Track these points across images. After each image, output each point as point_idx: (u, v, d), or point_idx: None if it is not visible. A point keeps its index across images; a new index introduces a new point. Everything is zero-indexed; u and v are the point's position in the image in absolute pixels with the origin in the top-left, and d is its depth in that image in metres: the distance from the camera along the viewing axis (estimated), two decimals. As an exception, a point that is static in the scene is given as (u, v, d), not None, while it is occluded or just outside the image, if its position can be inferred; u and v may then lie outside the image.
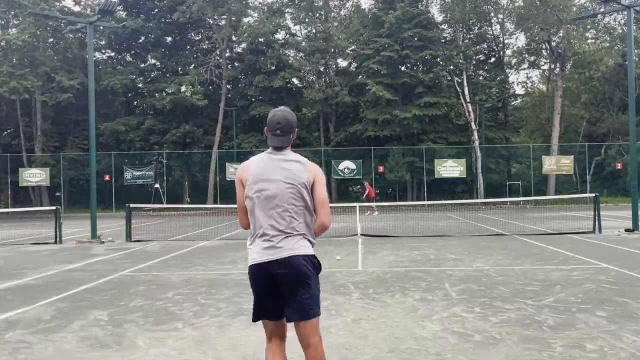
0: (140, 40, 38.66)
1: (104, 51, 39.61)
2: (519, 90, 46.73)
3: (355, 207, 17.97)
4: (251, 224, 3.06)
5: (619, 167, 34.17)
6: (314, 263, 3.01)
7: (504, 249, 11.38)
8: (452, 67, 36.51)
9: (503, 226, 17.02)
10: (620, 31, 38.62)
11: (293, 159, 3.05)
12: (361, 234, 15.11)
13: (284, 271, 2.92)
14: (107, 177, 35.29)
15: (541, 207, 30.13)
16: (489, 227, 16.73)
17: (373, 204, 26.23)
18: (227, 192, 36.85)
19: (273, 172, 3.00)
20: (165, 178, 37.13)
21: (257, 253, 2.98)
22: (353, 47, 38.51)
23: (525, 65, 41.40)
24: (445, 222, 19.62)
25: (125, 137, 36.43)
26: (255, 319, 3.08)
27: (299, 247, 2.97)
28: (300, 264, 2.94)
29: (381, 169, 34.54)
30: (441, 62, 36.07)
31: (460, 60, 35.91)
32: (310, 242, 3.04)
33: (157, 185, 35.54)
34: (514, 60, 41.03)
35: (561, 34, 36.29)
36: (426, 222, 19.05)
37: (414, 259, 10.21)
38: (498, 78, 39.65)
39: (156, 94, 37.32)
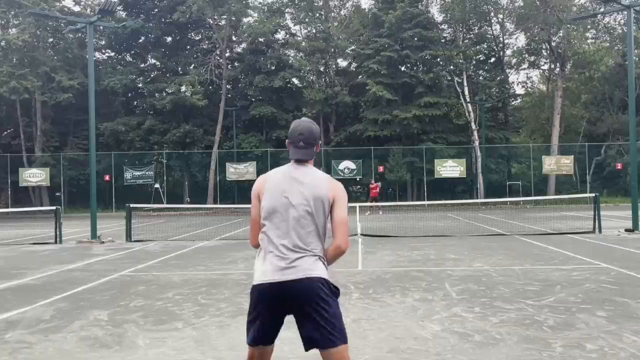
0: (140, 40, 38.69)
1: (104, 51, 39.67)
2: (519, 90, 46.69)
3: (356, 207, 17.98)
4: (263, 241, 2.76)
5: (619, 167, 34.17)
6: (330, 288, 2.71)
7: (504, 249, 11.38)
8: (452, 67, 36.56)
9: (503, 226, 17.03)
10: (620, 31, 38.66)
11: (315, 174, 2.81)
12: (361, 234, 15.12)
13: (299, 293, 2.63)
14: (107, 177, 35.29)
15: (541, 207, 30.14)
16: (489, 227, 16.74)
17: (373, 204, 26.23)
18: (227, 192, 36.90)
19: (292, 186, 2.75)
20: (165, 178, 37.14)
21: (269, 272, 2.67)
22: (353, 47, 38.57)
23: (525, 65, 41.42)
24: (445, 222, 19.62)
25: (125, 137, 36.46)
26: (254, 344, 2.75)
27: (316, 268, 2.69)
28: (316, 287, 2.65)
29: (381, 169, 34.57)
30: (441, 62, 36.14)
31: (460, 60, 35.94)
32: (325, 266, 2.77)
33: (157, 185, 35.56)
34: (514, 60, 41.02)
35: (561, 34, 36.31)
36: (426, 222, 19.05)
37: (414, 259, 10.22)
38: (498, 78, 39.66)
39: (156, 94, 37.33)
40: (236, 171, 34.63)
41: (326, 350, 2.65)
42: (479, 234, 15.03)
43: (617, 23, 39.37)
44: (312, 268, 2.67)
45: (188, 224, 21.32)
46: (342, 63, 40.68)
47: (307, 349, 2.70)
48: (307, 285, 2.63)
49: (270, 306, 2.68)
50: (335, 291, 2.74)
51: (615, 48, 39.83)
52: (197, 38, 40.72)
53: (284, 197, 2.73)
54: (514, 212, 25.90)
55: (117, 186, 35.47)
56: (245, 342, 2.79)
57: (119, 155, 36.73)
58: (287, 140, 2.89)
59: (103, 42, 38.41)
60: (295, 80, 39.52)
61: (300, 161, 2.82)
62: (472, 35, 39.71)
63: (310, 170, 2.82)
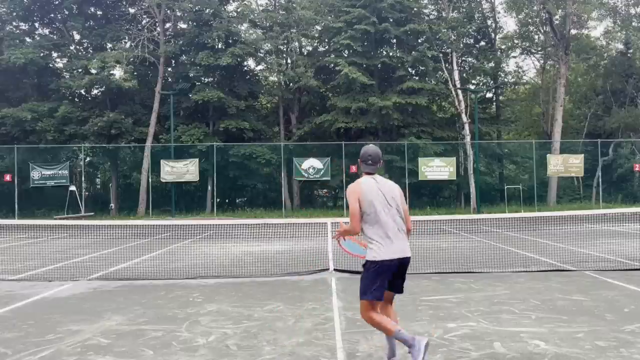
0: (56, 3, 31.07)
1: (4, 18, 31.43)
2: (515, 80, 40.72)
3: (326, 223, 11.39)
4: (378, 228, 4.12)
5: (637, 169, 28.73)
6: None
7: (598, 305, 5.02)
8: (439, 48, 30.44)
9: (543, 250, 10.82)
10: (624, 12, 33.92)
11: (387, 182, 4.35)
12: (335, 269, 8.79)
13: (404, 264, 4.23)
14: (7, 177, 27.94)
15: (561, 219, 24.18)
16: (527, 254, 10.49)
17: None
18: (166, 196, 29.74)
19: (387, 192, 4.25)
20: (83, 178, 29.78)
21: (391, 251, 4.08)
22: (319, 19, 31.71)
23: (518, 51, 35.98)
24: (453, 242, 13.40)
25: (34, 126, 28.95)
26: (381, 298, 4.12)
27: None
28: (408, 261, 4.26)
29: (353, 168, 28.08)
30: (426, 43, 29.92)
31: (451, 37, 30.00)
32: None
33: (72, 188, 28.20)
34: (507, 44, 35.39)
35: (563, 13, 30.96)
36: (425, 241, 12.69)
37: (446, 342, 3.81)
38: (489, 65, 33.71)
39: (74, 72, 30.07)
40: (173, 170, 27.62)
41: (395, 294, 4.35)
42: (523, 268, 8.89)
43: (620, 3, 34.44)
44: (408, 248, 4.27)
45: (73, 246, 14.32)
46: (307, 40, 33.87)
47: (397, 291, 4.32)
48: (408, 260, 4.27)
49: (392, 272, 4.22)
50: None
51: (619, 34, 35.05)
52: (127, 6, 33.16)
53: (381, 200, 4.19)
54: (537, 225, 19.38)
55: (23, 188, 28.21)
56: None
57: (26, 149, 29.18)
58: (359, 159, 4.39)
59: (4, 9, 30.67)
60: (251, 63, 32.89)
61: (369, 173, 4.32)
62: (461, 15, 33.70)
63: (381, 179, 4.33)
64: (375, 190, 4.17)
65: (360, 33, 28.31)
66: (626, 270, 8.69)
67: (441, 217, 20.24)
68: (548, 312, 5.86)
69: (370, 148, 4.39)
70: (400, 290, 4.26)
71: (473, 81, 33.78)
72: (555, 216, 15.34)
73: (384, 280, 4.08)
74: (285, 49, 31.60)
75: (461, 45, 32.33)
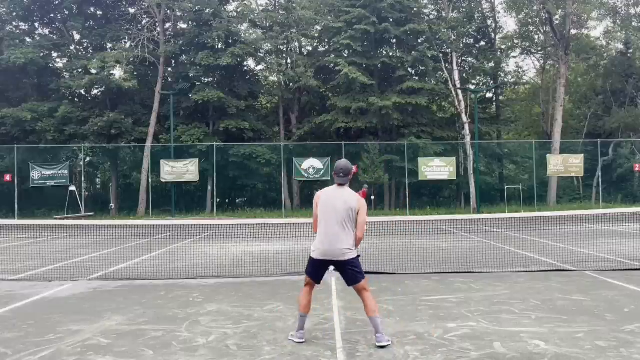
0: (56, 3, 31.01)
1: (4, 17, 31.40)
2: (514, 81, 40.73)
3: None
4: (321, 231, 4.80)
5: (637, 169, 28.72)
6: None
7: (598, 305, 5.03)
8: (439, 48, 30.43)
9: (543, 251, 10.84)
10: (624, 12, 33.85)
11: (349, 192, 4.86)
12: (335, 269, 8.66)
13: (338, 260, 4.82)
14: (7, 177, 27.96)
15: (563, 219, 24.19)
16: (528, 255, 10.51)
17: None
18: (166, 196, 29.75)
19: (336, 199, 4.83)
20: (83, 178, 29.76)
21: (318, 252, 4.80)
22: (319, 19, 31.66)
23: (519, 52, 35.94)
24: (452, 242, 13.39)
25: (34, 126, 28.93)
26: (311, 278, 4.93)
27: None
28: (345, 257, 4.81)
29: (354, 169, 28.03)
30: (426, 43, 29.90)
31: (451, 37, 29.95)
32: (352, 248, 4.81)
33: (72, 188, 28.19)
34: (507, 45, 35.38)
35: (561, 12, 30.93)
36: (425, 241, 12.71)
37: (447, 344, 3.81)
38: (489, 65, 33.69)
39: (74, 72, 30.03)
40: (173, 170, 27.60)
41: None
42: (523, 268, 8.88)
43: (620, 3, 34.40)
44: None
45: (73, 246, 14.33)
46: (307, 40, 33.81)
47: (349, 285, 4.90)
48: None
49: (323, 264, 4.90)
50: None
51: (619, 34, 35.00)
52: (127, 6, 33.14)
53: (330, 205, 4.82)
54: (537, 225, 19.49)
55: (22, 189, 28.20)
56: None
57: (26, 149, 29.17)
58: (333, 172, 4.93)
59: (4, 9, 30.63)
60: (251, 63, 32.84)
61: (340, 185, 4.87)
62: (461, 15, 33.70)
63: (346, 190, 4.87)
64: (329, 199, 4.79)
65: (360, 33, 28.28)
66: (626, 270, 8.68)
67: (441, 217, 20.15)
68: (548, 312, 5.87)
69: (342, 163, 4.91)
70: (350, 282, 4.78)
71: (473, 81, 33.79)
72: (555, 216, 15.33)
73: (314, 270, 4.84)
74: (285, 49, 31.59)
75: (461, 45, 32.35)
